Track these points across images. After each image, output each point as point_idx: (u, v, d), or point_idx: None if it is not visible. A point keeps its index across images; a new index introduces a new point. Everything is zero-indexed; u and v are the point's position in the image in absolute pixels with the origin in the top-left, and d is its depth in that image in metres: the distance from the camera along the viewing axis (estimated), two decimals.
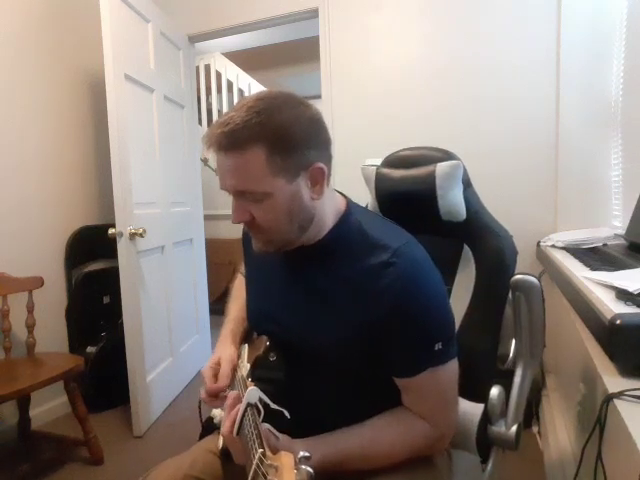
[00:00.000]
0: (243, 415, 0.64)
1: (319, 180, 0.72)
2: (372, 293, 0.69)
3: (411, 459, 0.73)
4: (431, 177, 0.96)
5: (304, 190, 0.71)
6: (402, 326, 0.69)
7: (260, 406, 0.64)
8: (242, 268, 1.03)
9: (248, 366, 0.82)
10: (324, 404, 0.76)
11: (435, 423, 0.73)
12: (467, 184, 1.00)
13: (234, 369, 0.83)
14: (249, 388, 0.66)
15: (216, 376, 0.81)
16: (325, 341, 0.73)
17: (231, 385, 0.82)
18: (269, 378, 0.75)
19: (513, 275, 0.89)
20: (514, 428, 0.89)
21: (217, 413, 0.87)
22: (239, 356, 0.88)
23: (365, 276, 0.70)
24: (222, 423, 0.67)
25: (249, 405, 0.64)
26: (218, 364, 0.83)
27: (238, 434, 0.63)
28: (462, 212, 0.96)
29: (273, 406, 0.65)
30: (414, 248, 0.74)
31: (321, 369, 0.76)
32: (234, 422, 0.64)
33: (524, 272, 0.88)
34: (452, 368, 0.73)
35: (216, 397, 0.80)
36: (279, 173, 0.68)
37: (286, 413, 0.64)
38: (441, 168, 0.95)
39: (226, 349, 0.87)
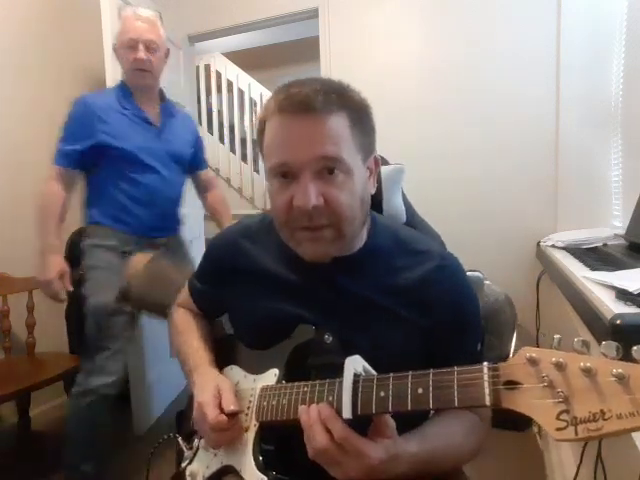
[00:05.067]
0: (354, 390, 0.50)
1: (373, 172, 0.69)
2: (431, 299, 0.68)
3: None
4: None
5: (367, 179, 0.67)
6: (459, 327, 0.69)
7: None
8: (186, 298, 0.88)
9: (258, 386, 0.67)
10: None
11: (483, 416, 0.71)
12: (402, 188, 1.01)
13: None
14: (349, 357, 0.53)
15: (219, 407, 0.65)
16: (381, 352, 0.65)
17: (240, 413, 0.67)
18: (328, 363, 0.61)
19: None
20: None
21: (195, 468, 0.72)
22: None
23: (419, 283, 0.68)
24: (308, 438, 0.52)
25: (356, 377, 0.52)
26: (217, 395, 0.67)
27: (357, 416, 0.50)
28: (403, 215, 0.96)
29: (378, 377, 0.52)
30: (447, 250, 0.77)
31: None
32: (325, 432, 0.50)
33: (471, 269, 0.88)
34: None
35: (224, 430, 0.65)
36: (360, 149, 0.63)
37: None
38: (386, 172, 0.92)
39: (217, 376, 0.72)
